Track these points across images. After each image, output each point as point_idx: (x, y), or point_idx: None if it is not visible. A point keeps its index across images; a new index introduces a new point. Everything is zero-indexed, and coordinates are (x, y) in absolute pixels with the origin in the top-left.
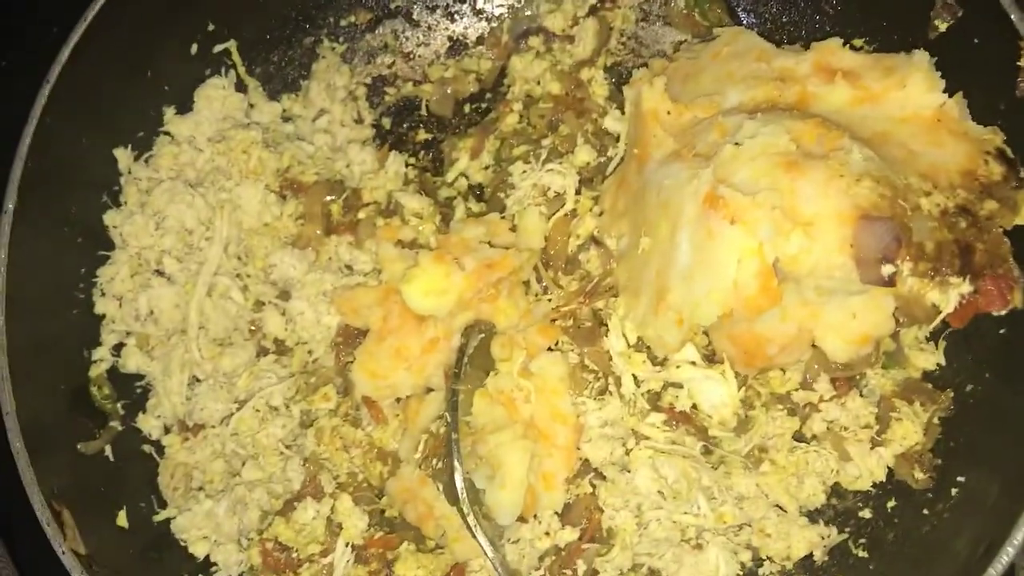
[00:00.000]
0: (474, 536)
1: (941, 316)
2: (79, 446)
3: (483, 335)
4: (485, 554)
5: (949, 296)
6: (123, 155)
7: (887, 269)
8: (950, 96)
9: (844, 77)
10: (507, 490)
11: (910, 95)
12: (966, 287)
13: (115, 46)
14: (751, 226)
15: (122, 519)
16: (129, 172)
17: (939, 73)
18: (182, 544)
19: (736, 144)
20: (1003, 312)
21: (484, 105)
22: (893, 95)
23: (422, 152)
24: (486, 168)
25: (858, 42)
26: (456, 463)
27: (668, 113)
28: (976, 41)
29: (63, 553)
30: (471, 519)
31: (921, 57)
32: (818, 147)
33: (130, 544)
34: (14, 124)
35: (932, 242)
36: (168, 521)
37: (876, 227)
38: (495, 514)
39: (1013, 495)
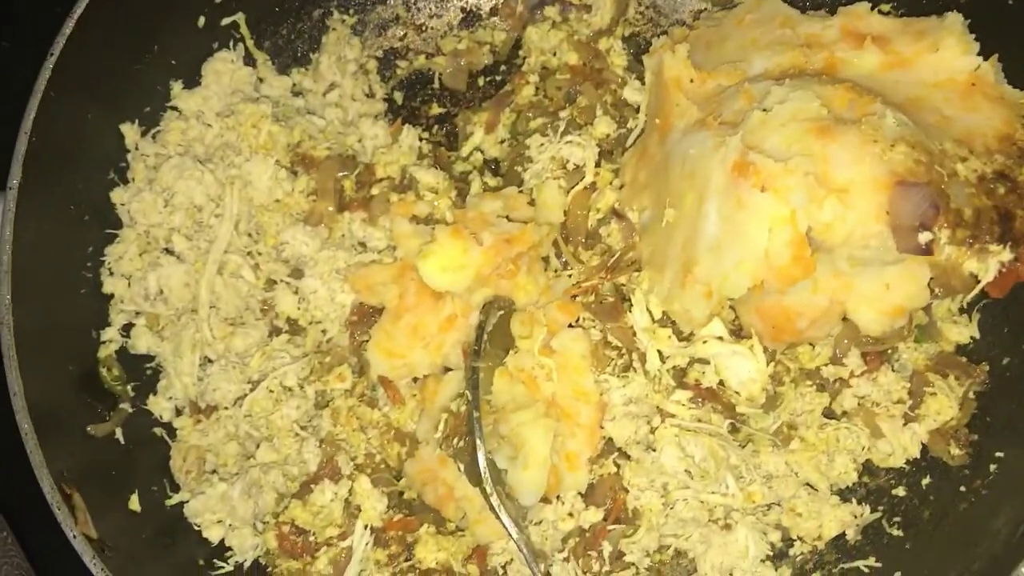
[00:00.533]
0: (497, 517)
1: (980, 286)
2: (89, 428)
3: (502, 312)
4: (509, 535)
5: (988, 264)
6: (130, 131)
7: (924, 237)
8: (985, 60)
9: (874, 42)
10: (530, 470)
11: (943, 59)
12: (1006, 255)
13: (121, 18)
14: (783, 193)
15: (134, 503)
16: (136, 148)
17: (972, 36)
18: (196, 528)
19: (765, 110)
20: None
21: (499, 78)
22: (925, 59)
23: (436, 127)
24: (501, 142)
25: (885, 7)
26: (478, 441)
27: (691, 81)
28: (1010, 2)
29: (74, 537)
30: (494, 499)
31: (954, 20)
32: (850, 112)
33: (143, 528)
34: (17, 100)
35: (970, 208)
36: (181, 505)
37: (912, 193)
38: (518, 495)
39: None
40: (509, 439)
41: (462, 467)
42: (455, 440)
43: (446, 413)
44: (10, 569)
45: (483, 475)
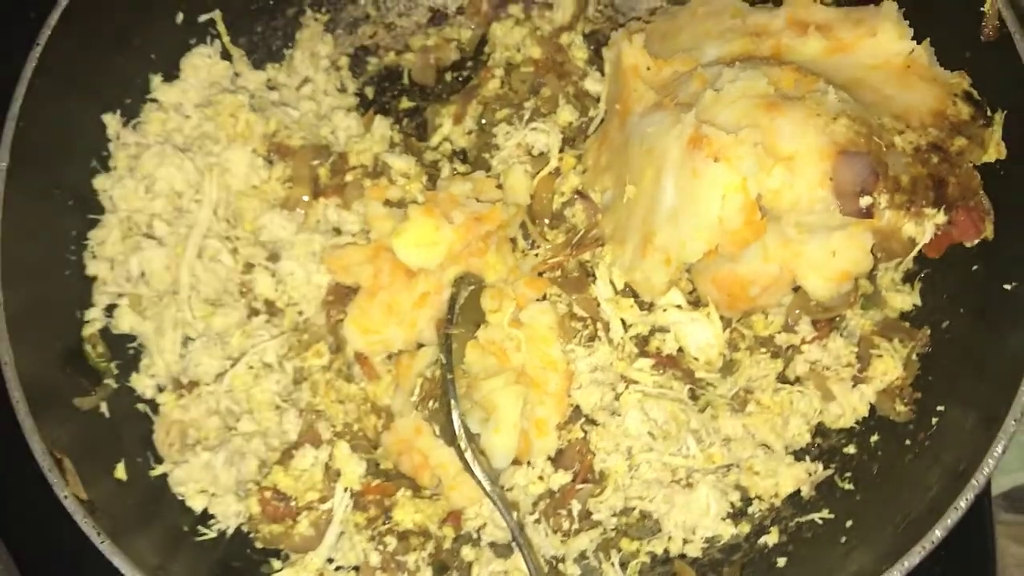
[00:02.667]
0: (472, 473)
1: (917, 247)
2: (75, 401)
3: (472, 287)
4: (483, 489)
5: (925, 227)
6: (112, 120)
7: (865, 201)
8: (918, 43)
9: (817, 29)
10: (501, 433)
11: (880, 43)
12: (940, 218)
13: (102, 12)
14: (734, 162)
15: (120, 472)
16: (118, 138)
17: (907, 22)
18: (180, 498)
19: (717, 90)
20: (975, 242)
21: (466, 73)
22: (864, 44)
23: (406, 119)
24: (469, 133)
25: None
26: (452, 401)
27: (648, 69)
28: None
29: (65, 498)
30: (469, 455)
31: (889, 7)
32: (796, 90)
33: (129, 496)
34: (3, 86)
35: (907, 176)
36: (165, 476)
37: (854, 161)
38: (490, 457)
39: (987, 422)
40: (481, 404)
41: (437, 429)
42: (430, 403)
43: (421, 378)
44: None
45: (457, 432)
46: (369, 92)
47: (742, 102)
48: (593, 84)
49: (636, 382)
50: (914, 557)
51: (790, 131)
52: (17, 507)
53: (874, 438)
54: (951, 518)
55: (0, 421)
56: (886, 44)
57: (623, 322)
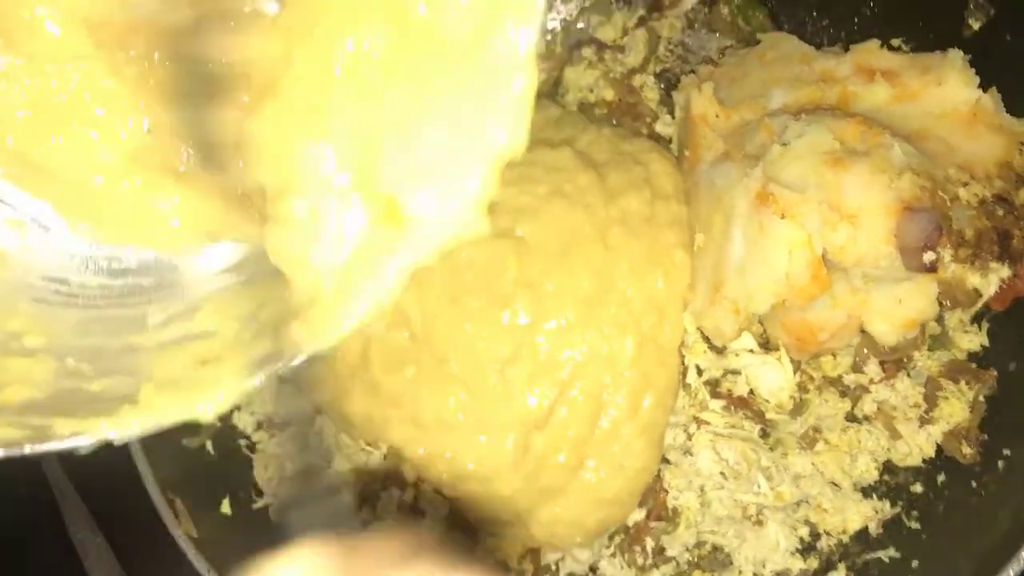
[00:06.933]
0: None
1: (982, 300)
2: (184, 441)
3: None
4: None
5: (989, 280)
6: None
7: (929, 256)
8: (985, 92)
9: (883, 76)
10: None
11: (946, 92)
12: (1005, 271)
13: None
14: (800, 220)
15: (226, 507)
16: None
17: (973, 70)
18: (283, 527)
19: (783, 144)
20: None
21: None
22: (930, 92)
23: None
24: None
25: (895, 41)
26: None
27: (716, 116)
28: (1008, 38)
29: (179, 537)
30: None
31: (955, 55)
32: (861, 144)
33: (235, 530)
34: None
35: (971, 230)
36: (267, 508)
37: (918, 217)
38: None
39: None
40: None
41: None
42: None
43: None
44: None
45: None
46: None
47: (808, 158)
48: (664, 127)
49: (708, 423)
50: None
51: (855, 188)
52: (133, 541)
53: (941, 477)
54: (1014, 568)
55: (116, 461)
56: (952, 93)
57: (697, 367)
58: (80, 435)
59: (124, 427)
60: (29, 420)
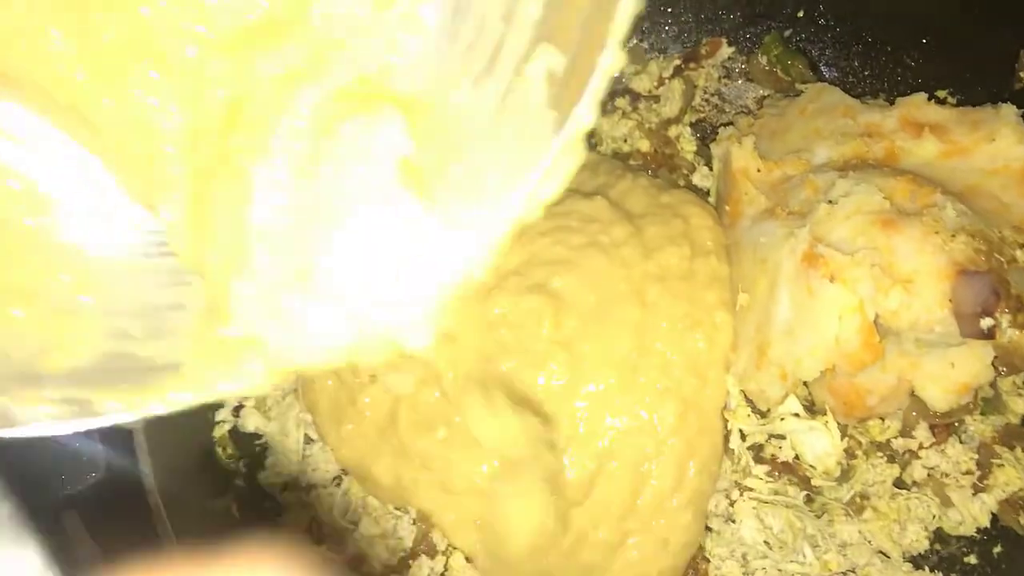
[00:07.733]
0: None
1: None
2: (207, 503)
3: None
4: None
5: None
6: None
7: (986, 322)
8: None
9: (932, 131)
10: None
11: (999, 148)
12: None
13: None
14: (851, 284)
15: None
16: None
17: None
18: None
19: (830, 203)
20: None
21: None
22: (982, 148)
23: None
24: None
25: (942, 93)
26: None
27: (758, 171)
28: None
29: None
30: None
31: (1008, 110)
32: (911, 203)
33: None
34: None
35: None
36: None
37: (974, 281)
38: None
39: None
40: None
41: None
42: None
43: None
44: None
45: None
46: None
47: (857, 218)
48: (701, 179)
49: (751, 489)
50: None
51: (907, 250)
52: None
53: (997, 549)
54: None
55: (136, 524)
56: (1005, 149)
57: (740, 432)
58: (127, 410)
59: (171, 402)
60: (73, 393)
